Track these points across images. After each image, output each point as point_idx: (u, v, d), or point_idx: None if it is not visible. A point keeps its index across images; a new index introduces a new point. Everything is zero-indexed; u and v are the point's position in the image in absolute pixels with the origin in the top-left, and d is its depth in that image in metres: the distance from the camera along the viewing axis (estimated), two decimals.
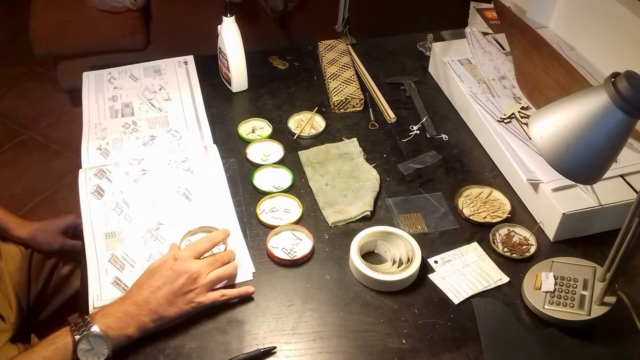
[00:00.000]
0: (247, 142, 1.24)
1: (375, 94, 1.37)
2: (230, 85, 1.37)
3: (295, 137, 1.26)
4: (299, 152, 1.22)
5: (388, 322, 0.93)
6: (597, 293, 0.91)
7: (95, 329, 0.83)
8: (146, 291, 0.88)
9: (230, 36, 1.29)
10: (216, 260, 0.94)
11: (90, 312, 0.90)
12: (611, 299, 0.89)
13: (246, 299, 0.95)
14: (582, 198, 1.03)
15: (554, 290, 0.93)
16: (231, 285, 0.97)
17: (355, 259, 0.97)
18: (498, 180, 1.17)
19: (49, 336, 0.84)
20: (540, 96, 1.21)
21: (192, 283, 0.89)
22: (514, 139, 1.16)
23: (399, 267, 0.99)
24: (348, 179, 1.15)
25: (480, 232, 1.06)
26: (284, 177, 1.16)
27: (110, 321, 0.85)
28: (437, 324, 0.93)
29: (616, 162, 1.00)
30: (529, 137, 1.16)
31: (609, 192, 1.03)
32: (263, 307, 0.94)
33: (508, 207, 1.10)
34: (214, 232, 0.99)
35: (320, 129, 1.27)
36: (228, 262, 0.96)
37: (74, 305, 1.29)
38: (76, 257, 1.28)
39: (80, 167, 1.16)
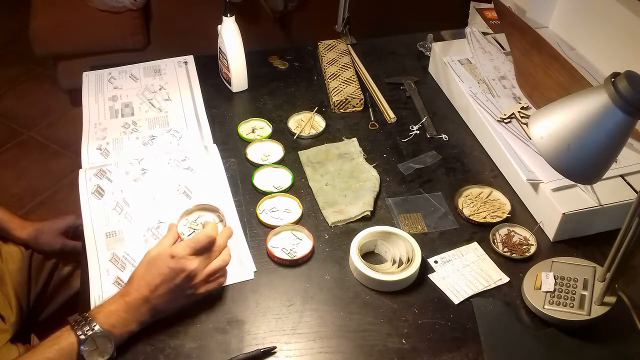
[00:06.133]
0: (247, 142, 1.24)
1: (375, 94, 1.37)
2: (230, 85, 1.37)
3: (295, 137, 1.26)
4: (299, 152, 1.22)
5: (388, 322, 0.93)
6: (597, 293, 0.91)
7: (98, 327, 0.83)
8: (145, 289, 0.87)
9: (230, 36, 1.29)
10: (213, 252, 0.92)
11: (90, 310, 0.89)
12: (611, 299, 0.89)
13: (246, 299, 0.95)
14: (582, 198, 1.03)
15: (554, 290, 0.93)
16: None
17: (355, 259, 0.98)
18: (498, 180, 1.17)
19: (51, 336, 0.84)
20: (540, 96, 1.21)
21: (190, 280, 0.89)
22: (514, 139, 1.16)
23: (399, 267, 0.99)
24: (348, 179, 1.15)
25: (480, 232, 1.06)
26: (284, 177, 1.16)
27: (113, 320, 0.85)
28: (437, 324, 0.93)
29: (616, 162, 1.00)
30: (529, 137, 1.16)
31: (609, 192, 1.03)
32: (263, 307, 0.94)
33: (508, 207, 1.10)
34: (211, 227, 0.93)
35: (320, 129, 1.27)
36: (223, 249, 0.94)
37: (74, 306, 1.29)
38: (76, 258, 1.28)
39: (80, 167, 1.16)
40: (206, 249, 0.91)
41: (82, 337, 0.82)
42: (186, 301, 0.90)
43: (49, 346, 0.83)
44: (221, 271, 0.94)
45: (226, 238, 0.95)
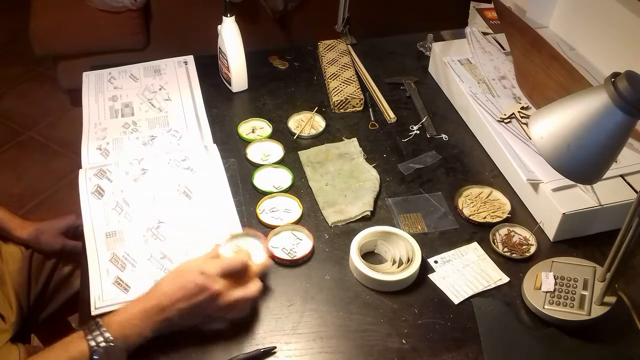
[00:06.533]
0: (247, 142, 1.24)
1: (375, 94, 1.37)
2: (230, 85, 1.37)
3: (295, 137, 1.26)
4: (299, 152, 1.22)
5: (388, 322, 0.93)
6: (597, 293, 0.91)
7: (112, 339, 0.81)
8: (165, 299, 0.85)
9: (230, 36, 1.29)
10: (243, 280, 0.89)
11: (104, 317, 0.85)
12: (611, 299, 0.90)
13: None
14: (582, 198, 1.03)
15: (554, 290, 0.93)
16: None
17: (355, 259, 0.98)
18: (498, 180, 1.17)
19: (61, 341, 0.82)
20: (540, 96, 1.21)
21: (210, 302, 0.86)
22: (514, 139, 1.16)
23: (399, 267, 0.99)
24: (348, 179, 1.15)
25: (480, 232, 1.06)
26: (284, 177, 1.16)
27: (128, 330, 0.83)
28: (437, 324, 0.93)
29: (616, 162, 1.00)
30: (529, 137, 1.16)
31: (609, 192, 1.03)
32: (263, 307, 0.94)
33: (508, 207, 1.10)
34: (245, 254, 0.92)
35: (320, 129, 1.27)
36: (253, 280, 0.91)
37: (74, 306, 1.29)
38: (76, 258, 1.28)
39: (80, 167, 1.16)
40: (236, 274, 0.88)
41: (95, 348, 0.80)
42: (202, 321, 0.88)
43: (59, 353, 0.81)
44: (244, 303, 0.89)
45: (260, 271, 0.92)
